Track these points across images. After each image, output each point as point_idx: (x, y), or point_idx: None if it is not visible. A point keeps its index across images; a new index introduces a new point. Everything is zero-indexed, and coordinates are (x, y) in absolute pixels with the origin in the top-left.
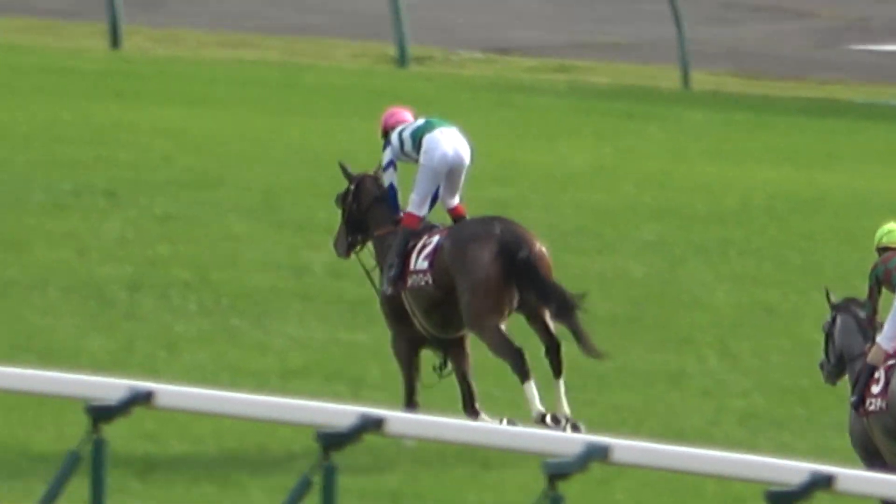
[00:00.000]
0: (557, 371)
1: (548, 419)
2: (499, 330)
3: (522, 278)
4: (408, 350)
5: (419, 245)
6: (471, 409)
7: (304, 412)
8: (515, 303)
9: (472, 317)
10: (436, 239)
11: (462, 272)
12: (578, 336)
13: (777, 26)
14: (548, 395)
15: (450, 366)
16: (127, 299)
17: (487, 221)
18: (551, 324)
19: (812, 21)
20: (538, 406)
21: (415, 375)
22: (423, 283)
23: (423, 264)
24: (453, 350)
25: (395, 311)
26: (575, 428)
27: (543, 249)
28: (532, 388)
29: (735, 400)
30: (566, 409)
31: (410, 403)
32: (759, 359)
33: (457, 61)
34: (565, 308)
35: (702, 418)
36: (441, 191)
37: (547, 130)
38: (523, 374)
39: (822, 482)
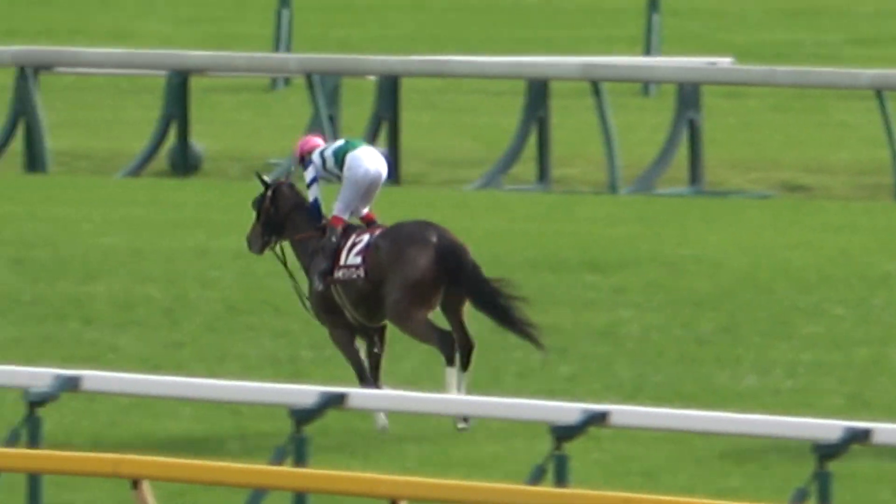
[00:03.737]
0: (465, 366)
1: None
2: (426, 320)
3: (461, 285)
4: (346, 336)
5: (348, 243)
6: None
7: (274, 394)
8: (438, 302)
9: (401, 311)
10: (366, 237)
11: (397, 271)
12: (523, 332)
13: None
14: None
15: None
16: None
17: (423, 226)
18: (468, 324)
19: None
20: (454, 391)
21: (359, 358)
22: (353, 277)
23: (355, 259)
24: (374, 339)
25: (327, 305)
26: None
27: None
28: (453, 373)
29: None
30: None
31: (365, 381)
32: None
33: None
34: (506, 313)
35: None
36: (357, 203)
37: None
38: (449, 357)
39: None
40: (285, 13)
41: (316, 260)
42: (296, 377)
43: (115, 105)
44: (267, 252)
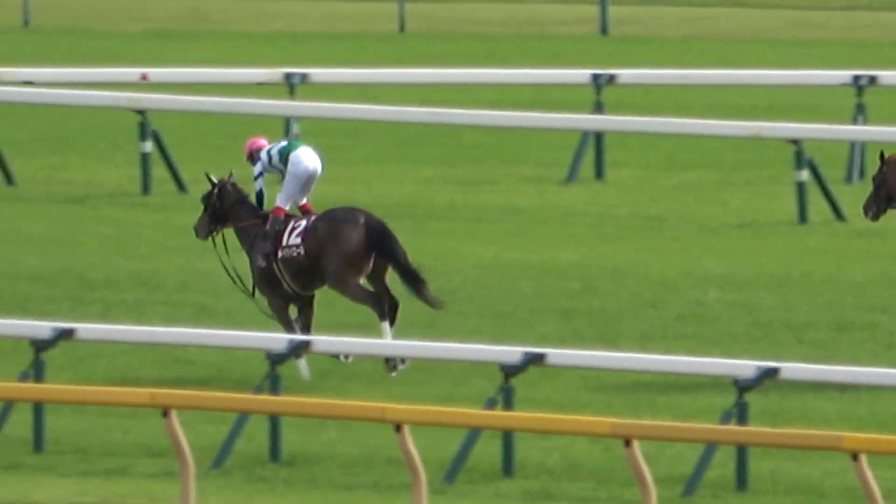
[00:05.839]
0: (392, 322)
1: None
2: (359, 285)
3: (385, 254)
4: (282, 305)
5: (288, 228)
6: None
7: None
8: (369, 269)
9: (339, 278)
10: (304, 223)
11: (334, 246)
12: (420, 292)
13: None
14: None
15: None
16: None
17: (352, 210)
18: (390, 286)
19: None
20: (390, 340)
21: (290, 322)
22: (295, 254)
23: (296, 240)
24: (305, 304)
25: (268, 279)
26: (402, 362)
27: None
28: (387, 326)
29: None
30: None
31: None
32: None
33: None
34: (415, 277)
35: None
36: (297, 195)
37: None
38: (381, 314)
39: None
40: None
41: (259, 243)
42: None
43: None
44: None
